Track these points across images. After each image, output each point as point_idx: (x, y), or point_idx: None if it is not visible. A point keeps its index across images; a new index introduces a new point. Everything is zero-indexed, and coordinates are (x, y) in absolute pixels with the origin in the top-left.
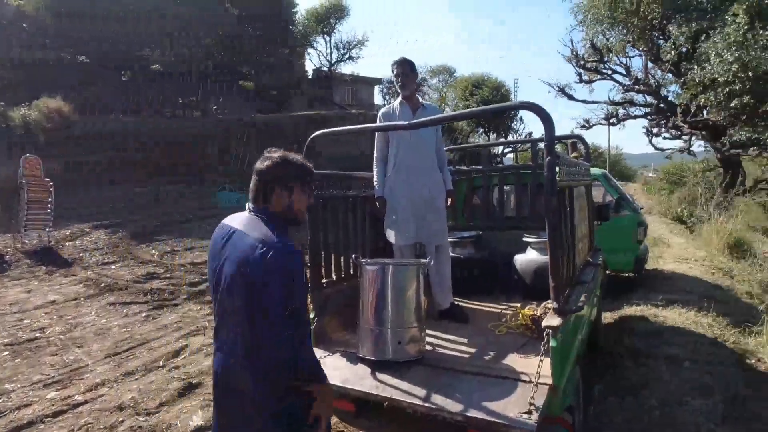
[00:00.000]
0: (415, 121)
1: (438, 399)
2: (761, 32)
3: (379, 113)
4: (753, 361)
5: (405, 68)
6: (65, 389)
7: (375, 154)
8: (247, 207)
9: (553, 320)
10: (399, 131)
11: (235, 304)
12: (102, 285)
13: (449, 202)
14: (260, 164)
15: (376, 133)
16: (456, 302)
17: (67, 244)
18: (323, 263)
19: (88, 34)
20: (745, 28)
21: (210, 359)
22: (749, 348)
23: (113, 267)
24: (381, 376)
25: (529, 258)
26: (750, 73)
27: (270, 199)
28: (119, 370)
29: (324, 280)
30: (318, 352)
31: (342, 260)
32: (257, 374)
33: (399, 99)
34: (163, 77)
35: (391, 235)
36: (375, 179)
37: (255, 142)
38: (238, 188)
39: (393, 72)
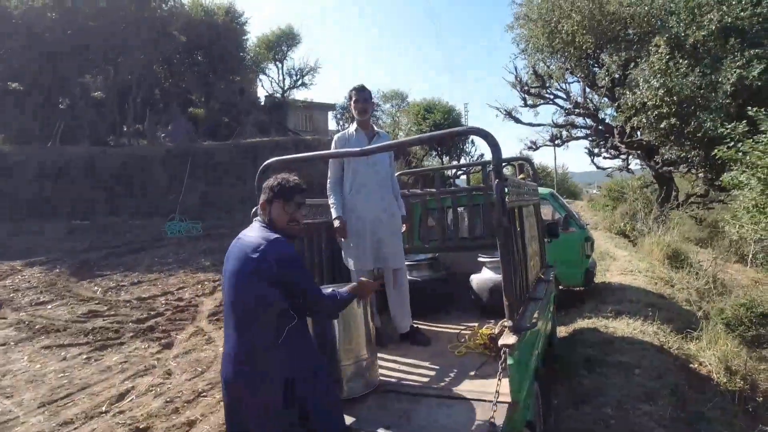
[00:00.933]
0: (370, 147)
1: (399, 426)
2: (681, 61)
3: (335, 138)
4: (695, 365)
5: (365, 95)
6: None
7: (329, 180)
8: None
9: (508, 339)
10: (356, 158)
11: (242, 301)
12: (36, 327)
13: (403, 229)
14: (265, 182)
15: (330, 159)
16: (415, 325)
17: None
18: None
19: (21, 60)
20: (667, 57)
21: (160, 399)
22: (691, 353)
23: (49, 307)
24: None
25: (484, 277)
26: (674, 98)
27: (268, 212)
28: (55, 419)
29: None
30: None
31: None
32: (260, 373)
33: (354, 125)
34: (105, 104)
35: (349, 262)
36: (332, 202)
37: (205, 171)
38: (189, 218)
39: (352, 98)
